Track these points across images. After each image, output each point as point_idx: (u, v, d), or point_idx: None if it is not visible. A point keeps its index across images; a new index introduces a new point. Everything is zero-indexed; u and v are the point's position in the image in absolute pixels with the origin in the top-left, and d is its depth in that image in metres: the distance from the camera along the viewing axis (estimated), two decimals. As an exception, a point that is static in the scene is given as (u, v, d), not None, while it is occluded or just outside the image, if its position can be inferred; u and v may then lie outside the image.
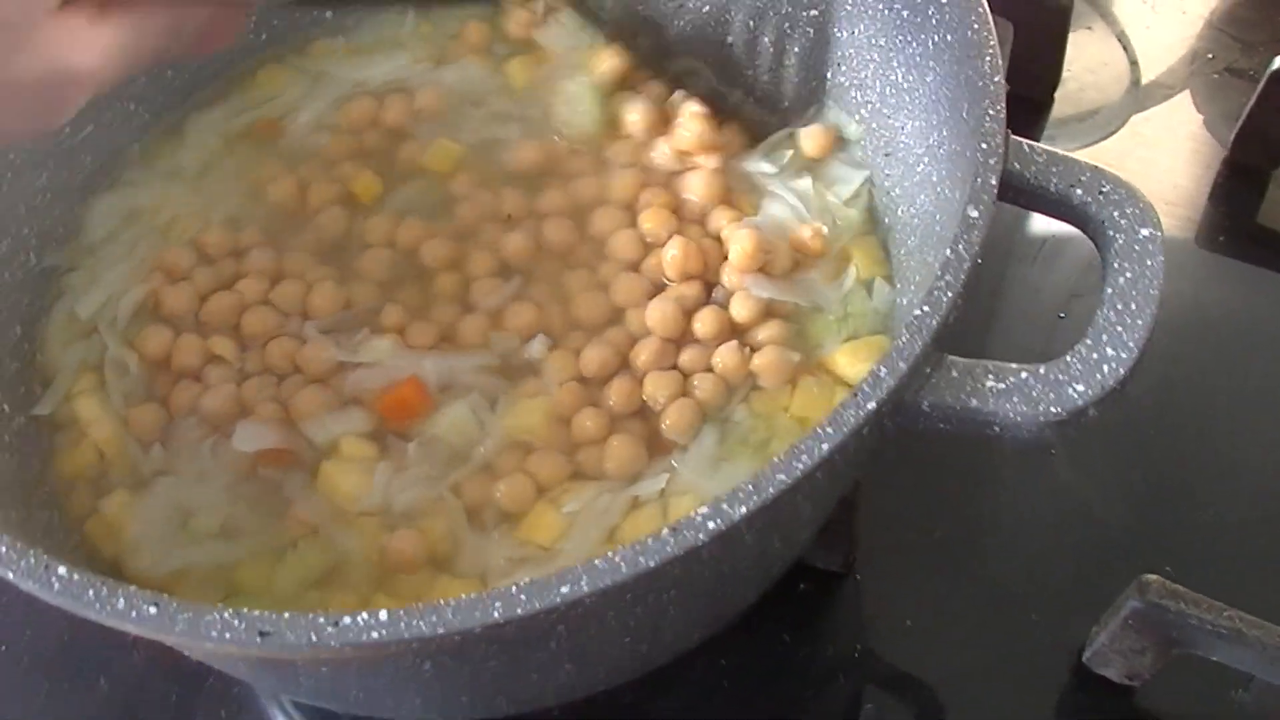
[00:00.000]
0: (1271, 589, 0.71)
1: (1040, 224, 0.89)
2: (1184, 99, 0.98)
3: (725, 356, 0.65)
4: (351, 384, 0.66)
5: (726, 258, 0.69)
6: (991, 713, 0.70)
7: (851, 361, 0.64)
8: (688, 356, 0.66)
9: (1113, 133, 0.96)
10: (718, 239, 0.70)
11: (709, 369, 0.66)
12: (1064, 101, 0.97)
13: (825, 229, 0.70)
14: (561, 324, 0.68)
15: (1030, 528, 0.76)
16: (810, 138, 0.73)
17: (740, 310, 0.67)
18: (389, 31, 0.82)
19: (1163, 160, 0.94)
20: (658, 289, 0.69)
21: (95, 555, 0.62)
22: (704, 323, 0.67)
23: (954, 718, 0.70)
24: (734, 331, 0.67)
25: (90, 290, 0.71)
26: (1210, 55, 1.00)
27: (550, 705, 0.60)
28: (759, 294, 0.67)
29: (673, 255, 0.68)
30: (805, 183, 0.72)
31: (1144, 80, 0.99)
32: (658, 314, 0.67)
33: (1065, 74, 0.97)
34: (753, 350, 0.66)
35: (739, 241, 0.68)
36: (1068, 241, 0.88)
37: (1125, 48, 1.01)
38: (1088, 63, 1.00)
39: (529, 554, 0.61)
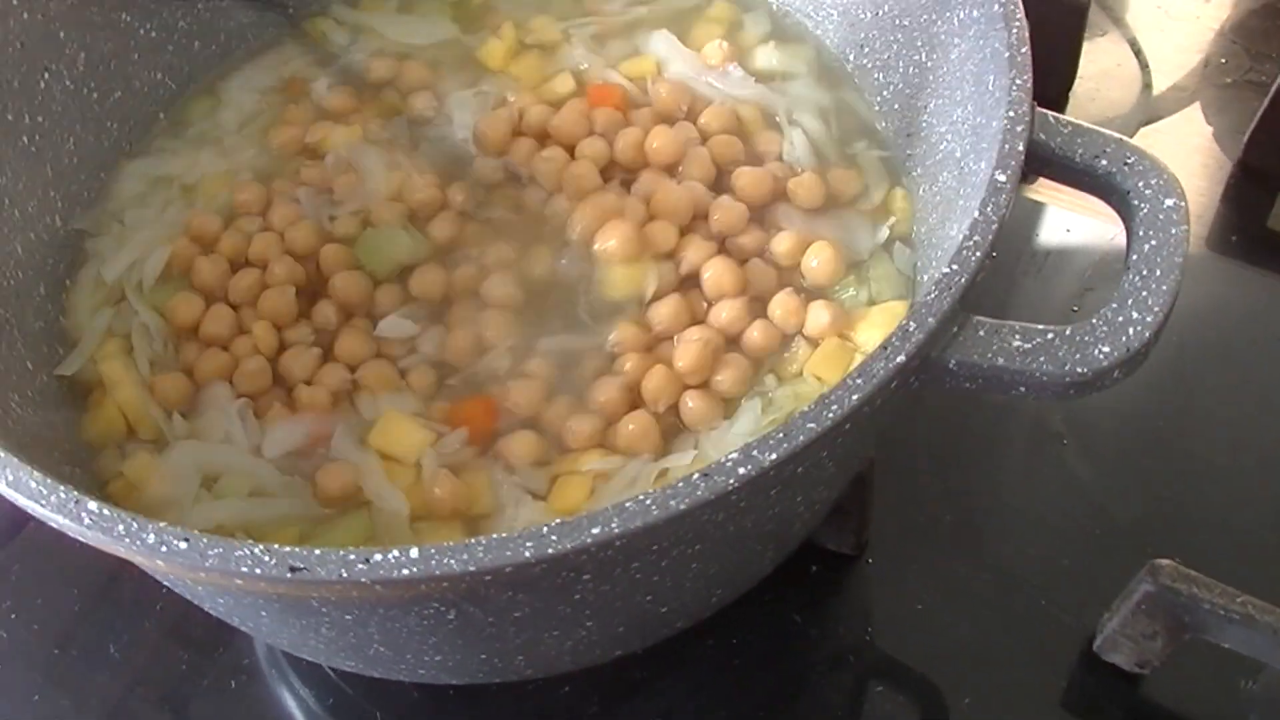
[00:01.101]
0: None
1: (1052, 227, 0.89)
2: (1194, 111, 0.99)
3: (780, 304, 0.67)
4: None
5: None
6: (998, 700, 0.70)
7: (867, 328, 0.65)
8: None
9: (1123, 142, 0.96)
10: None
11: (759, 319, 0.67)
12: (1073, 109, 0.98)
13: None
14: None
15: (1041, 515, 0.77)
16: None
17: (782, 243, 0.69)
18: None
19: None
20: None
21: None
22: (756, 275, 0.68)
23: (961, 704, 0.70)
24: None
25: (117, 254, 0.71)
26: (1224, 60, 1.00)
27: (567, 669, 0.60)
28: (788, 225, 0.69)
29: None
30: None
31: (1155, 89, 1.00)
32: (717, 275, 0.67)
33: (1078, 78, 0.98)
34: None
35: (740, 178, 0.70)
36: (1079, 244, 0.88)
37: (1137, 53, 1.02)
38: (1099, 69, 1.00)
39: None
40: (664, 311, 0.67)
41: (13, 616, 0.75)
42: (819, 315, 0.65)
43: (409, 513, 0.61)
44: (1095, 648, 0.70)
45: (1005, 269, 0.87)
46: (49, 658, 0.73)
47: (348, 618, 0.51)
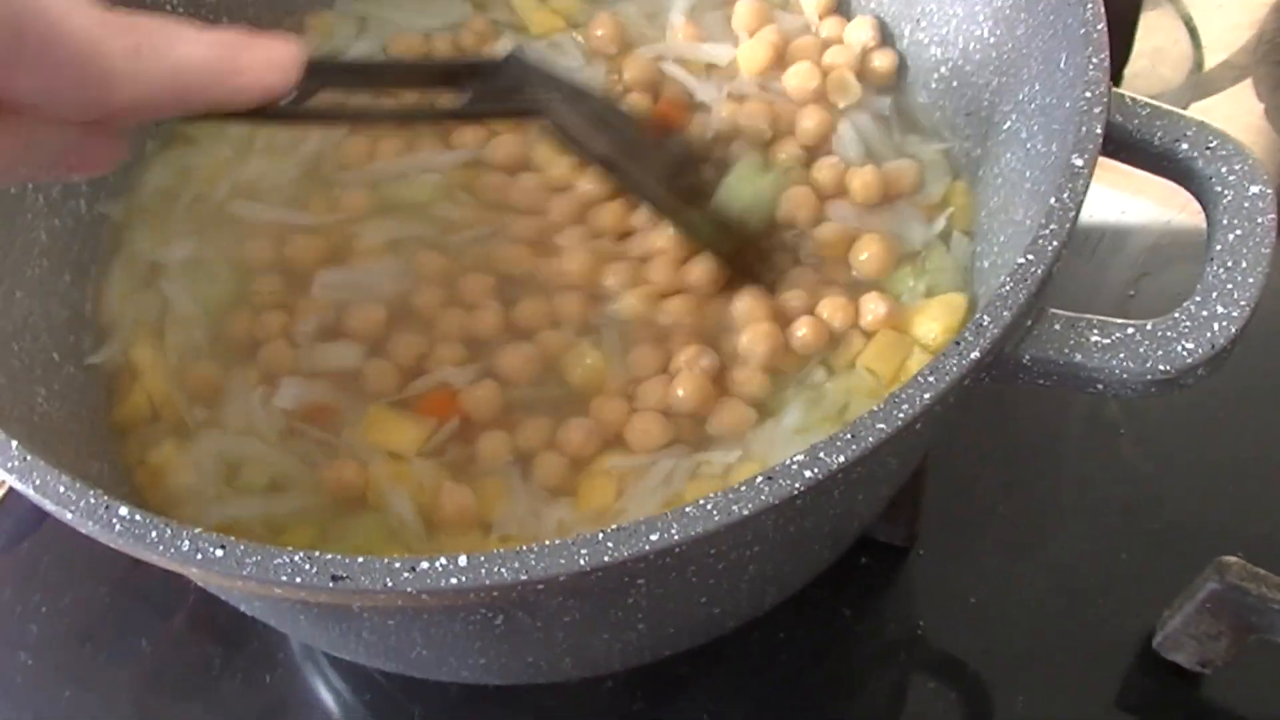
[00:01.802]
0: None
1: (1105, 207, 0.86)
2: (1246, 86, 0.96)
3: (827, 306, 0.64)
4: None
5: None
6: (1053, 698, 0.68)
7: (925, 320, 0.63)
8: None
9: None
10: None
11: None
12: (1125, 84, 0.95)
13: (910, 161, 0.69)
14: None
15: (1097, 508, 0.74)
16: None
17: (824, 233, 0.66)
18: None
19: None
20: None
21: (144, 507, 0.60)
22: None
23: (1014, 700, 0.68)
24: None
25: (158, 244, 0.69)
26: (1281, 38, 0.97)
27: (614, 669, 0.58)
28: (841, 222, 0.66)
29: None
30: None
31: (1207, 64, 0.97)
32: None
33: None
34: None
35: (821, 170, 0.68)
36: (1135, 225, 0.86)
37: (1191, 31, 0.99)
38: (1151, 45, 0.98)
39: (581, 518, 0.59)
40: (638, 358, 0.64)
41: (42, 610, 0.73)
42: (875, 307, 0.63)
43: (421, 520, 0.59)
44: (1155, 645, 0.67)
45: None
46: (78, 652, 0.72)
47: (390, 623, 0.49)
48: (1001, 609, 0.70)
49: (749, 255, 0.65)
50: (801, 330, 0.63)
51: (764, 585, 0.55)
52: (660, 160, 0.63)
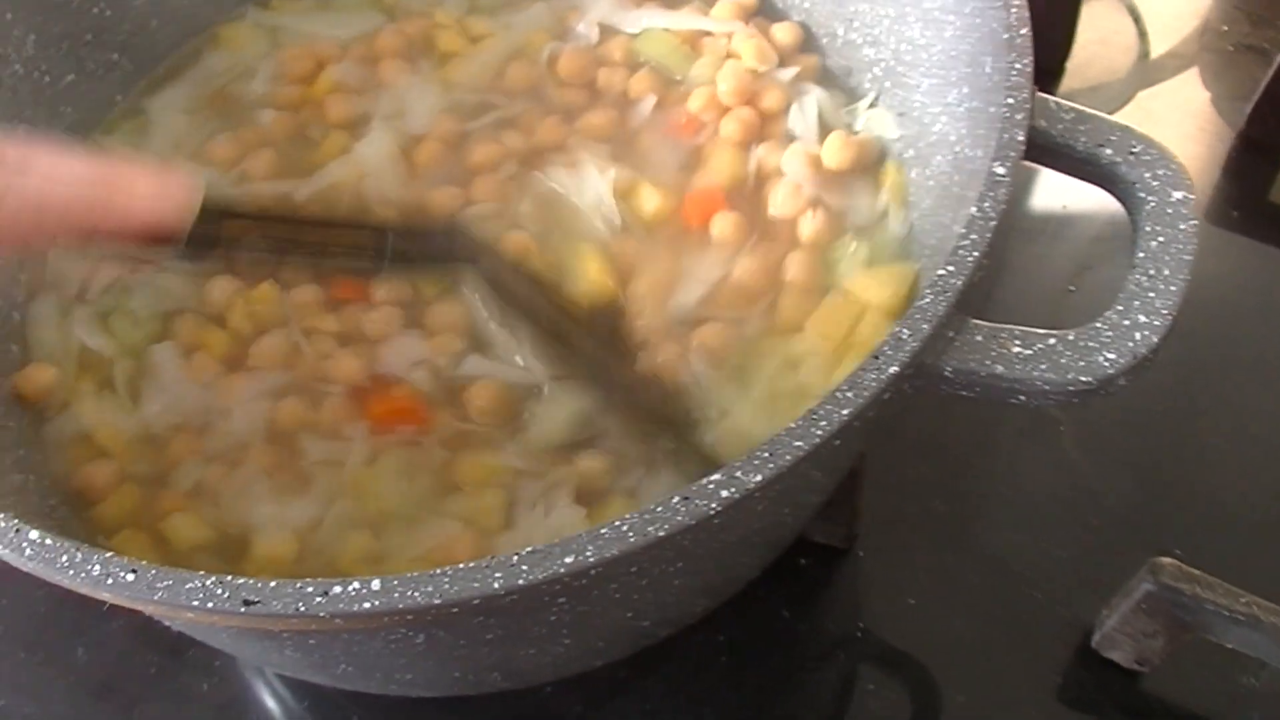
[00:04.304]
0: (1284, 573, 0.69)
1: (1047, 198, 0.86)
2: (1191, 75, 0.96)
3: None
4: None
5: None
6: (994, 696, 0.68)
7: (871, 285, 0.63)
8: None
9: (1118, 108, 0.93)
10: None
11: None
12: (1071, 74, 0.95)
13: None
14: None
15: (1036, 505, 0.74)
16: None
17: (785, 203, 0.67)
18: None
19: (1169, 137, 0.91)
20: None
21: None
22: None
23: (955, 699, 0.68)
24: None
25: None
26: (1225, 28, 0.97)
27: (546, 680, 0.58)
28: (806, 190, 0.67)
29: None
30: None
31: (1153, 53, 0.97)
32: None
33: (1074, 44, 0.95)
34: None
35: None
36: (1077, 216, 0.85)
37: (1136, 20, 0.99)
38: (1097, 34, 0.97)
39: None
40: None
41: (-20, 620, 0.72)
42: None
43: None
44: (1094, 644, 0.67)
45: (999, 245, 0.84)
46: (15, 662, 0.71)
47: (311, 642, 0.49)
48: (942, 607, 0.70)
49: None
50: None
51: (693, 596, 0.54)
52: (589, 329, 0.62)
